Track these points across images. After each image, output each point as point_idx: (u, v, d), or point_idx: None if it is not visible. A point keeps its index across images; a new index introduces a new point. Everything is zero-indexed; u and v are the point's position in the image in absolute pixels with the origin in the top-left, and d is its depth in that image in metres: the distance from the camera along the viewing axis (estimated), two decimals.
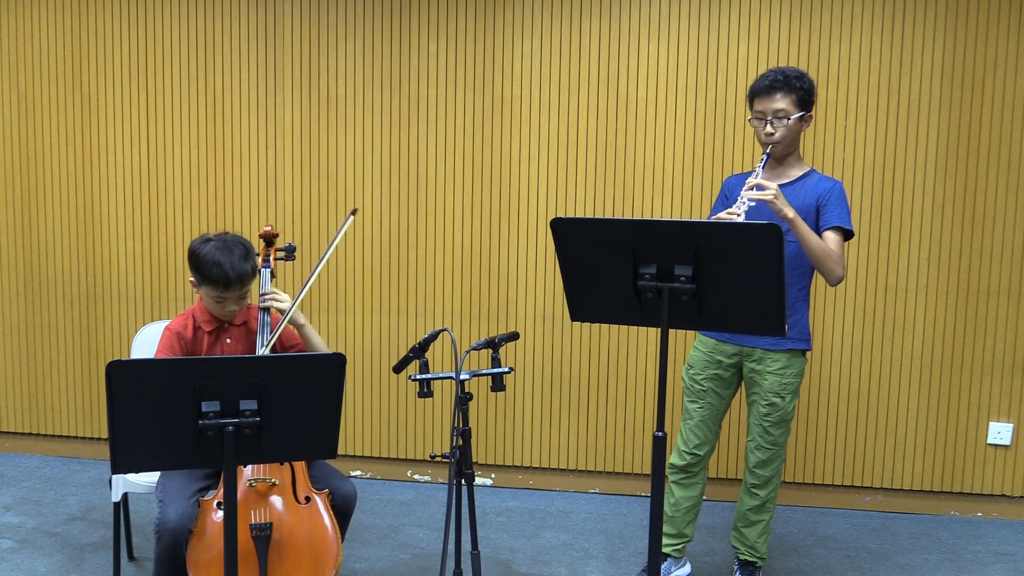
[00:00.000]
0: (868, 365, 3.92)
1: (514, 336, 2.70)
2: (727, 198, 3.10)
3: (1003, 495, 3.94)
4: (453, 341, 2.58)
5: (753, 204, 2.77)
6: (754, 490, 3.13)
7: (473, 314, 4.10)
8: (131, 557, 3.37)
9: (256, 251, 2.87)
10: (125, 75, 4.18)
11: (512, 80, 3.97)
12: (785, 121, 2.92)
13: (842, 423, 3.96)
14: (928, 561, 3.53)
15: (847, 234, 2.93)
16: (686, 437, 3.16)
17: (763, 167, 2.89)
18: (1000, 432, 3.88)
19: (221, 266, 2.70)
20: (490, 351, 2.62)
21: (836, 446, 3.98)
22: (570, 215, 3.99)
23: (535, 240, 4.03)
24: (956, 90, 3.75)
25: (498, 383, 2.56)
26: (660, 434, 2.36)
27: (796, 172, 3.02)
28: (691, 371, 3.16)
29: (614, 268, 2.32)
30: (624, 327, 4.01)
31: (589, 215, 3.97)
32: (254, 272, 2.80)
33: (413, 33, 4.01)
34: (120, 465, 2.03)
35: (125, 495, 3.17)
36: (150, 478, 2.95)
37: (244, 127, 4.14)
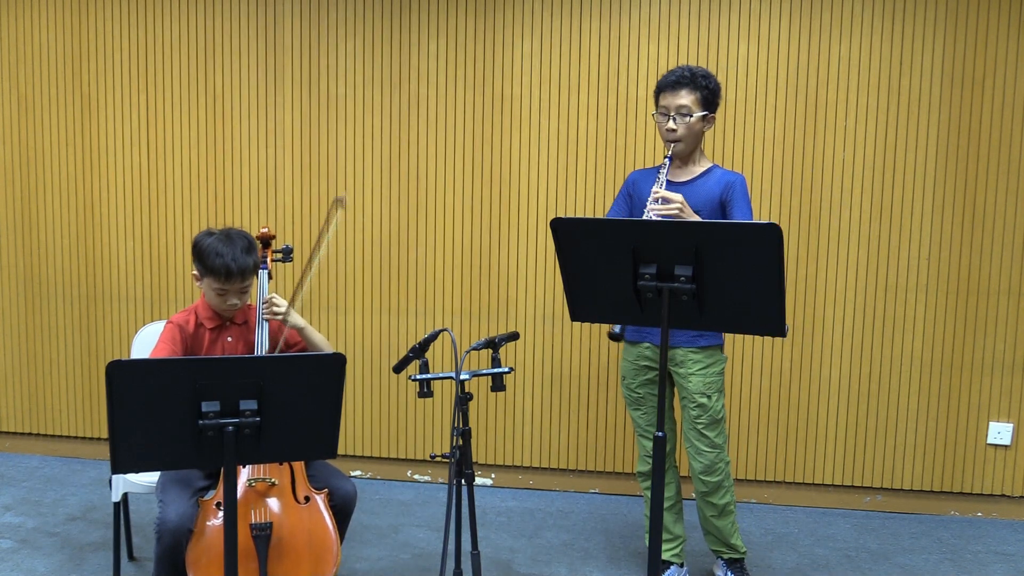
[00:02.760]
0: (868, 365, 3.91)
1: (514, 336, 2.70)
2: (630, 195, 3.13)
3: (1003, 495, 3.94)
4: (453, 341, 2.58)
5: (659, 217, 2.80)
6: (708, 499, 3.13)
7: (473, 314, 4.10)
8: (131, 557, 3.37)
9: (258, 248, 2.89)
10: (125, 75, 4.18)
11: (512, 80, 3.97)
12: (688, 119, 2.94)
13: (842, 423, 3.96)
14: (928, 561, 3.53)
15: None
16: (643, 444, 3.22)
17: (667, 171, 2.93)
18: (1000, 432, 3.88)
19: (223, 257, 2.72)
20: (490, 351, 2.62)
21: (836, 446, 3.98)
22: (570, 215, 3.99)
23: (535, 240, 4.03)
24: (956, 90, 3.75)
25: (498, 383, 2.56)
26: (660, 434, 2.37)
27: (699, 168, 3.06)
28: (625, 381, 3.22)
29: (614, 268, 2.32)
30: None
31: (589, 215, 3.97)
32: (256, 266, 2.82)
33: (413, 33, 4.01)
34: (120, 465, 2.03)
35: (125, 495, 3.17)
36: (150, 478, 2.95)
37: (244, 127, 4.14)
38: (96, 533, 3.58)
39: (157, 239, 4.24)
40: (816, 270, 3.89)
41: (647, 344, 3.13)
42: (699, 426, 3.07)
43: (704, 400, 3.05)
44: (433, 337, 2.55)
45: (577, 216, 3.98)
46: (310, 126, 4.10)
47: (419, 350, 2.54)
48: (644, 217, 2.82)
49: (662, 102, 2.99)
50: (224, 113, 4.14)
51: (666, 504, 3.22)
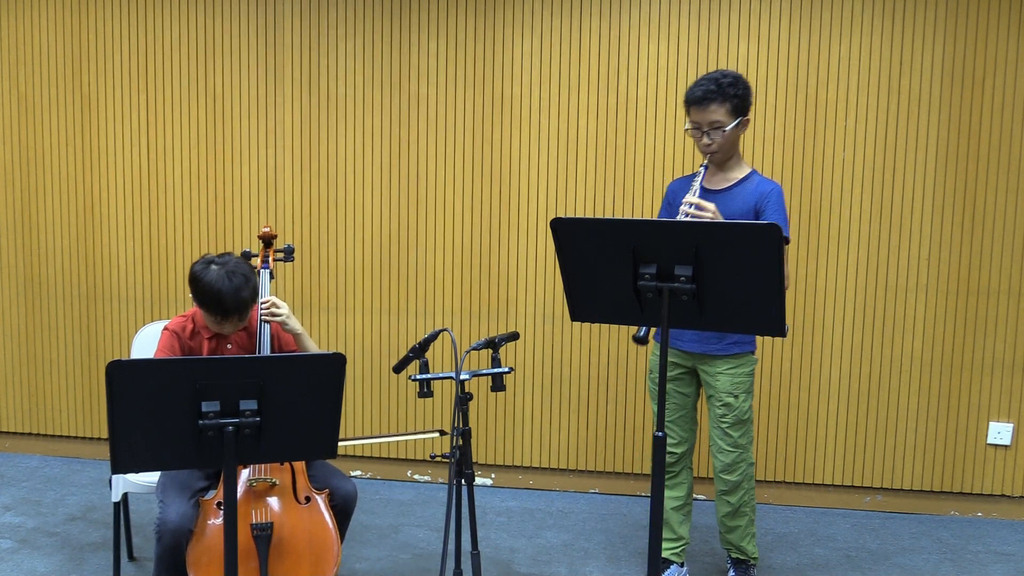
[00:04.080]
0: (868, 365, 3.91)
1: (514, 336, 2.70)
2: (671, 204, 3.12)
3: (1003, 495, 3.94)
4: (453, 341, 2.58)
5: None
6: (725, 496, 3.13)
7: (473, 314, 4.10)
8: (131, 557, 3.37)
9: (255, 272, 2.83)
10: (125, 75, 4.18)
11: (512, 80, 3.97)
12: (721, 132, 2.91)
13: (842, 423, 3.96)
14: (928, 561, 3.53)
15: (784, 240, 2.95)
16: None
17: (702, 179, 2.90)
18: (1000, 432, 3.88)
19: (221, 297, 2.67)
20: (490, 351, 2.62)
21: (836, 446, 3.98)
22: (570, 215, 3.99)
23: (535, 240, 4.03)
24: (956, 90, 3.75)
25: (498, 383, 2.56)
26: (660, 434, 2.37)
27: (737, 174, 3.02)
28: (652, 375, 3.22)
29: (614, 268, 2.32)
30: (624, 327, 4.01)
31: (589, 215, 3.97)
32: (254, 298, 2.77)
33: (413, 33, 4.01)
34: (120, 465, 2.03)
35: (125, 495, 3.17)
36: (150, 478, 2.95)
37: (244, 127, 4.14)
38: (96, 533, 3.58)
39: (157, 239, 4.24)
40: (816, 270, 3.89)
41: (675, 348, 3.11)
42: (724, 425, 3.06)
43: (731, 400, 3.04)
44: (433, 337, 2.55)
45: (577, 216, 3.97)
46: (310, 126, 4.10)
47: (419, 350, 2.54)
48: (679, 217, 2.80)
49: (693, 117, 2.94)
50: (224, 113, 4.14)
51: (676, 504, 3.22)
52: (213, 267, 2.70)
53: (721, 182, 3.02)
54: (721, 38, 3.83)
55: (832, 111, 3.81)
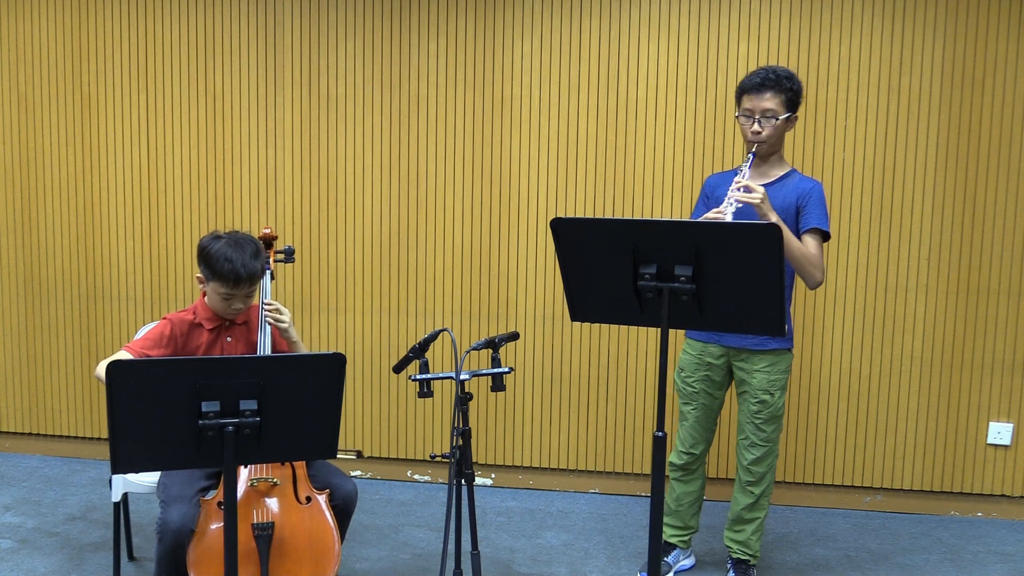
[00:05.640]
0: (868, 365, 3.91)
1: (514, 336, 2.70)
2: (708, 197, 3.13)
3: (1003, 495, 3.94)
4: (453, 341, 2.58)
5: (740, 205, 2.80)
6: (749, 487, 3.16)
7: (473, 314, 4.10)
8: (131, 557, 3.37)
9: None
10: (125, 75, 4.18)
11: (512, 80, 3.97)
12: (773, 121, 2.94)
13: (842, 423, 3.96)
14: (928, 561, 3.53)
15: (825, 236, 2.97)
16: (683, 437, 3.23)
17: (750, 166, 2.91)
18: (1000, 432, 3.88)
19: (232, 263, 2.71)
20: (490, 351, 2.62)
21: (836, 446, 3.98)
22: (570, 215, 3.99)
23: (535, 240, 4.03)
24: (956, 90, 3.75)
25: (498, 383, 2.56)
26: (660, 434, 2.36)
27: (778, 172, 3.05)
28: (682, 374, 3.21)
29: (614, 268, 2.32)
30: (624, 327, 4.01)
31: (589, 215, 3.97)
32: (263, 271, 2.83)
33: (413, 33, 4.01)
34: (120, 465, 2.03)
35: (125, 495, 3.17)
36: (150, 478, 2.95)
37: (244, 127, 4.14)
38: (96, 533, 3.58)
39: (157, 239, 4.24)
40: None
41: (714, 344, 3.12)
42: (757, 421, 3.09)
43: (767, 397, 3.06)
44: (433, 337, 2.55)
45: (577, 216, 3.97)
46: (310, 126, 4.10)
47: (419, 350, 2.54)
48: (722, 206, 2.80)
49: (746, 104, 2.98)
50: (224, 113, 4.14)
51: (690, 499, 3.28)
52: (222, 239, 2.77)
53: (762, 177, 3.03)
54: (721, 38, 3.83)
55: (832, 111, 3.81)
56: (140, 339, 2.83)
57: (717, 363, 3.13)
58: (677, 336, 3.94)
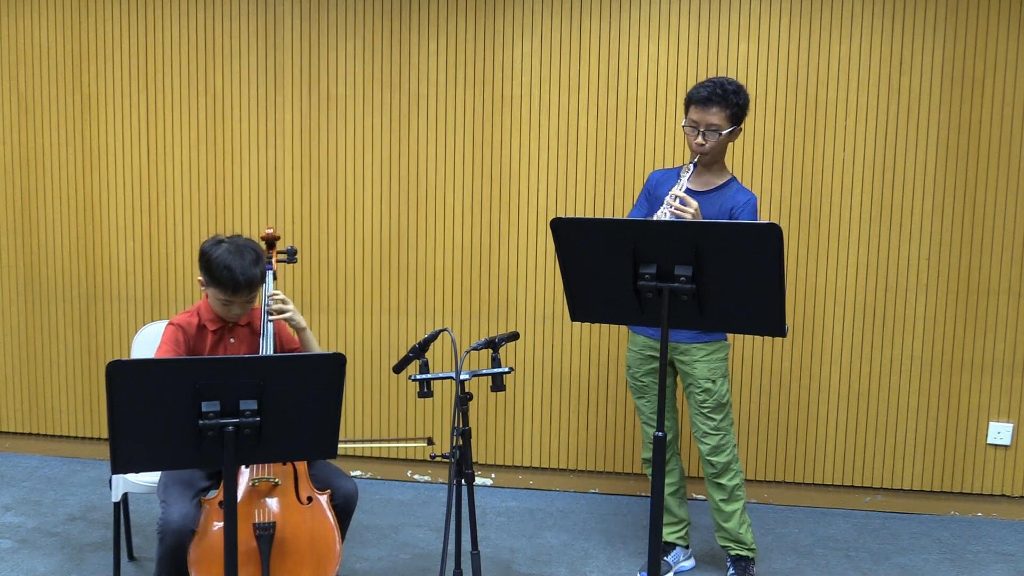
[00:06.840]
0: (868, 365, 3.92)
1: (514, 336, 2.70)
2: (650, 193, 3.22)
3: (1003, 495, 3.94)
4: (453, 341, 2.59)
5: (675, 216, 2.88)
6: (716, 480, 3.22)
7: (473, 314, 4.10)
8: (131, 557, 3.37)
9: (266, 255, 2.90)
10: (125, 75, 4.18)
11: (512, 80, 3.97)
12: (716, 135, 3.02)
13: (842, 423, 3.96)
14: (928, 561, 3.53)
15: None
16: (646, 431, 3.33)
17: (689, 177, 2.98)
18: (1000, 432, 3.88)
19: (232, 270, 2.71)
20: (490, 351, 2.62)
21: (836, 446, 3.98)
22: (570, 215, 3.99)
23: (535, 240, 4.03)
24: (956, 90, 3.75)
25: (498, 383, 2.57)
26: (660, 434, 2.37)
27: (717, 180, 3.13)
28: (630, 370, 3.33)
29: (614, 268, 2.32)
30: (624, 327, 4.01)
31: (589, 215, 3.97)
32: (263, 277, 2.83)
33: (413, 33, 4.01)
34: (120, 465, 2.03)
35: (125, 495, 3.17)
36: (150, 478, 2.96)
37: (244, 127, 4.14)
38: (96, 533, 3.58)
39: (157, 239, 4.24)
40: (816, 270, 3.89)
41: (650, 340, 3.23)
42: (705, 410, 3.17)
43: (709, 385, 3.15)
44: (433, 337, 2.55)
45: (577, 216, 3.98)
46: (310, 126, 4.10)
47: (419, 350, 2.54)
48: (659, 212, 2.89)
49: (692, 115, 3.04)
50: (224, 113, 4.14)
51: (670, 489, 3.34)
52: (223, 244, 2.76)
53: (701, 184, 3.12)
54: (721, 38, 3.83)
55: (832, 111, 3.81)
56: (158, 353, 2.82)
57: (657, 356, 3.18)
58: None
